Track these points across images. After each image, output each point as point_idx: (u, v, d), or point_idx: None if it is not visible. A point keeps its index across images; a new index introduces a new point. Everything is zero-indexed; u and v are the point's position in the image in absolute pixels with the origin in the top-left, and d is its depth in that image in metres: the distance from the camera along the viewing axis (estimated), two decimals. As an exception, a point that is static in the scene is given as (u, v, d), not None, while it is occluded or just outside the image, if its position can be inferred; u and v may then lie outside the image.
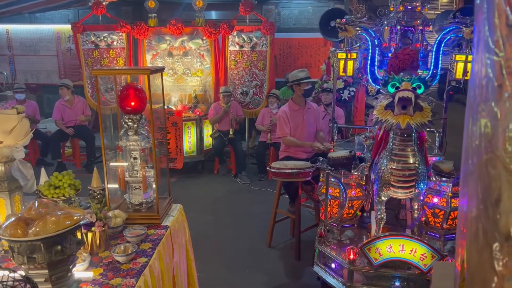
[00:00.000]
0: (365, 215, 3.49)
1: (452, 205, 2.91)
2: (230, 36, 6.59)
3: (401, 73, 2.62)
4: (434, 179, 3.00)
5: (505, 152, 0.48)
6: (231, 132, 6.31)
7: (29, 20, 9.28)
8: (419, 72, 2.82)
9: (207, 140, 6.75)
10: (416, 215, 2.94)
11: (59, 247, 1.53)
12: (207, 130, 6.71)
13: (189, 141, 6.47)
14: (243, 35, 6.56)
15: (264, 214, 4.80)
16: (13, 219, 1.54)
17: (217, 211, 5.13)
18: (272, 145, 6.13)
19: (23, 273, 1.32)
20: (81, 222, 1.60)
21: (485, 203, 0.48)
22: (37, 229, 1.49)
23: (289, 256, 3.98)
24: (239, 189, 5.95)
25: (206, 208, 5.15)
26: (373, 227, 2.98)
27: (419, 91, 2.53)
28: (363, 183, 3.21)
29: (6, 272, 1.20)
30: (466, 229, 0.57)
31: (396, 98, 2.50)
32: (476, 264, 0.52)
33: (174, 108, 6.69)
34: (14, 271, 1.22)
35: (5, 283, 1.16)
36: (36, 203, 1.58)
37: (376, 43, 3.33)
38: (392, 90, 2.55)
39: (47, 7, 7.27)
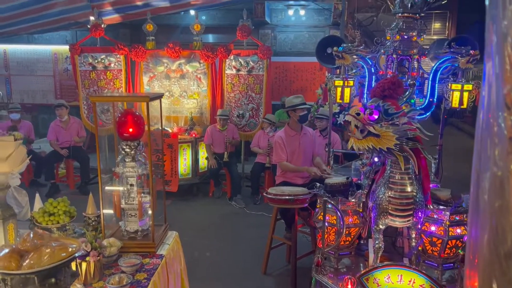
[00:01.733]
0: (362, 242, 3.46)
1: (450, 234, 2.90)
2: (227, 60, 6.66)
3: (371, 100, 2.68)
4: (431, 207, 2.99)
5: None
6: (225, 156, 6.30)
7: (27, 40, 9.34)
8: (393, 100, 2.84)
9: (203, 163, 6.73)
10: (413, 243, 2.91)
11: (53, 280, 1.50)
12: (203, 153, 6.69)
13: (184, 163, 6.44)
14: (240, 59, 6.63)
15: (260, 239, 4.74)
16: (7, 250, 1.51)
17: (212, 235, 5.07)
18: (268, 168, 6.12)
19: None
20: (76, 254, 1.56)
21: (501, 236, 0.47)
22: (31, 262, 1.46)
23: (285, 283, 3.92)
24: (234, 213, 5.90)
25: (201, 232, 5.09)
26: (371, 256, 2.95)
27: (371, 117, 2.57)
28: (360, 210, 3.19)
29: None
30: (478, 263, 0.56)
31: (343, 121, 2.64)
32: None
33: (170, 130, 6.68)
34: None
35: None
36: (32, 234, 1.55)
37: (373, 70, 3.37)
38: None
39: (45, 28, 7.32)
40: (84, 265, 1.97)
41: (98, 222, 2.37)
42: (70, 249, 1.54)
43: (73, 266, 1.60)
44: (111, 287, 1.90)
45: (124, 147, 2.31)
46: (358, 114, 2.56)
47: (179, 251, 2.57)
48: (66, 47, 7.87)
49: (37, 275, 1.45)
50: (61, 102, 6.77)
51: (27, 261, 1.46)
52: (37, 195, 2.48)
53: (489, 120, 0.56)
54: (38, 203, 2.43)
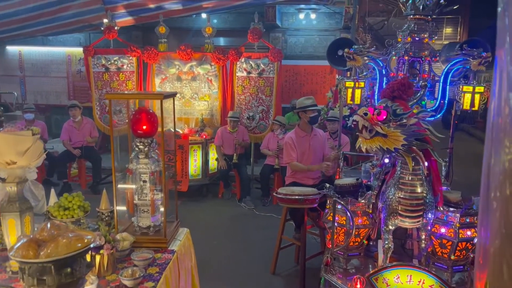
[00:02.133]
0: (371, 243, 3.46)
1: (460, 236, 2.89)
2: (238, 62, 6.71)
3: (381, 101, 2.71)
4: (441, 209, 2.98)
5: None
6: (235, 157, 6.33)
7: (41, 42, 9.50)
8: (402, 101, 2.84)
9: (212, 164, 6.77)
10: (423, 245, 2.91)
11: (69, 270, 1.53)
12: (213, 154, 6.74)
13: (194, 164, 6.49)
14: (250, 62, 6.68)
15: (269, 240, 4.76)
16: (25, 240, 1.55)
17: (221, 235, 5.10)
18: (277, 170, 6.14)
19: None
20: (91, 245, 1.60)
21: (510, 239, 0.49)
22: (49, 251, 1.50)
23: (293, 283, 3.93)
24: (244, 214, 5.92)
25: (210, 233, 5.12)
26: (380, 256, 2.95)
27: (378, 117, 2.58)
28: (370, 211, 3.20)
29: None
30: (487, 263, 0.57)
31: (350, 122, 2.63)
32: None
33: (181, 132, 6.75)
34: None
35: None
36: (49, 225, 1.59)
37: (384, 72, 3.38)
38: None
39: (60, 30, 7.45)
40: (98, 258, 2.02)
41: (111, 218, 2.41)
42: (85, 240, 1.57)
43: (88, 257, 1.64)
44: (124, 279, 1.94)
45: (138, 144, 2.36)
46: (365, 114, 2.57)
47: (190, 248, 2.61)
48: (80, 49, 8.01)
49: (53, 264, 1.48)
50: (74, 103, 6.88)
51: (44, 250, 1.50)
52: (52, 190, 2.54)
53: (501, 103, 0.58)
54: (53, 198, 2.48)
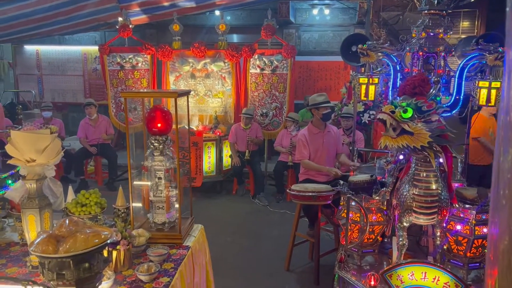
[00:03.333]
0: (385, 240, 3.45)
1: (476, 233, 2.86)
2: (251, 59, 6.72)
3: (401, 98, 2.66)
4: (457, 206, 2.96)
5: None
6: (247, 154, 6.35)
7: (58, 41, 9.65)
8: (423, 97, 2.81)
9: (226, 161, 6.81)
10: (438, 242, 2.89)
11: (87, 265, 1.57)
12: (227, 151, 6.77)
13: (208, 161, 6.54)
14: (264, 58, 6.68)
15: (283, 236, 4.78)
16: (44, 235, 1.60)
17: (235, 232, 5.13)
18: (291, 167, 6.14)
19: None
20: (108, 241, 1.64)
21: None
22: (67, 246, 1.54)
23: (307, 280, 3.94)
24: (258, 211, 5.95)
25: (225, 229, 5.16)
26: (395, 253, 2.94)
27: (405, 116, 2.54)
28: (384, 208, 3.18)
29: (41, 288, 1.24)
30: (497, 259, 0.58)
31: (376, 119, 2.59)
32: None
33: (195, 129, 6.80)
34: (48, 287, 1.26)
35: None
36: (67, 221, 1.63)
37: (398, 68, 3.35)
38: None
39: (75, 29, 7.56)
40: (114, 253, 2.06)
41: (127, 214, 2.45)
42: (102, 236, 1.61)
43: (105, 253, 1.68)
44: (140, 274, 1.98)
45: (153, 141, 2.39)
46: (393, 112, 2.54)
47: (204, 244, 2.64)
48: (95, 48, 8.12)
49: (72, 259, 1.52)
50: (90, 101, 6.99)
51: (63, 246, 1.54)
52: (70, 187, 2.60)
53: (510, 102, 0.58)
54: (71, 195, 2.54)
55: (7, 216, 2.67)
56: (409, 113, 2.53)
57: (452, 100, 3.22)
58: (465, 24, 12.90)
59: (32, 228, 2.03)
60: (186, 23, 7.11)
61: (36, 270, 2.03)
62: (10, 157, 2.00)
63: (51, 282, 1.56)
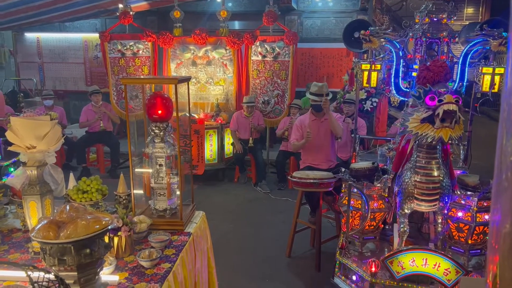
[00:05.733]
0: (387, 227, 3.46)
1: (478, 220, 2.86)
2: (253, 46, 6.66)
3: (436, 86, 2.59)
4: (458, 192, 2.95)
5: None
6: (250, 141, 6.35)
7: (58, 29, 9.59)
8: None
9: (228, 148, 6.81)
10: (439, 229, 2.90)
11: (88, 250, 1.57)
12: (228, 139, 6.77)
13: (210, 149, 6.53)
14: (266, 45, 6.62)
15: (284, 223, 4.80)
16: (45, 221, 1.60)
17: (237, 219, 5.15)
18: (293, 154, 6.14)
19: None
20: (109, 227, 1.64)
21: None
22: (68, 232, 1.54)
23: (309, 266, 3.96)
24: (259, 198, 5.96)
25: (226, 216, 5.18)
26: (396, 240, 2.95)
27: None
28: (386, 195, 3.19)
29: (42, 273, 1.24)
30: (498, 245, 0.57)
31: (441, 111, 2.42)
32: (510, 280, 0.52)
33: (196, 116, 6.78)
34: (49, 272, 1.26)
35: (40, 283, 1.21)
36: (68, 207, 1.63)
37: (401, 54, 3.32)
38: (430, 102, 2.51)
39: (76, 16, 7.50)
40: (116, 239, 2.07)
41: (128, 201, 2.45)
42: (103, 222, 1.61)
43: (106, 239, 1.68)
44: (141, 260, 1.99)
45: (154, 128, 2.38)
46: (457, 101, 2.44)
47: (205, 230, 2.65)
48: (96, 35, 8.06)
49: (73, 245, 1.52)
50: (96, 89, 6.96)
51: (64, 232, 1.54)
52: (71, 174, 2.59)
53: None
54: (72, 182, 2.54)
55: (9, 203, 2.68)
56: (460, 101, 2.48)
57: (455, 86, 3.19)
58: (469, 10, 12.75)
59: (33, 214, 2.04)
60: (187, 10, 7.03)
61: (38, 256, 2.04)
62: (12, 145, 1.99)
63: (53, 268, 1.56)
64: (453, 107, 2.40)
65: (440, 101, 2.45)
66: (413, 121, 2.57)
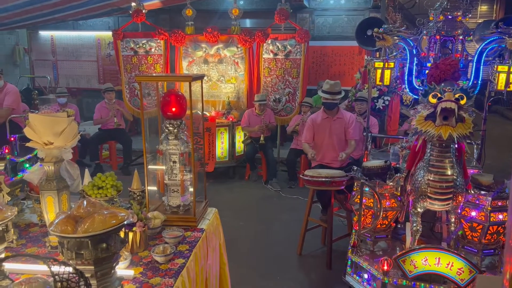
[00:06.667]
0: (399, 226, 3.45)
1: (491, 219, 2.84)
2: (264, 44, 6.67)
3: (442, 84, 2.59)
4: (472, 192, 2.93)
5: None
6: (262, 138, 6.36)
7: (72, 27, 9.70)
8: (460, 82, 2.78)
9: (239, 146, 6.83)
10: (452, 228, 2.88)
11: (104, 245, 1.60)
12: (239, 137, 6.79)
13: (221, 146, 6.56)
14: (277, 43, 6.62)
15: (295, 221, 4.80)
16: (63, 216, 1.63)
17: (248, 217, 5.17)
18: (303, 153, 6.13)
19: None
20: (125, 222, 1.66)
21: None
22: (85, 227, 1.57)
23: (320, 265, 3.96)
24: (270, 196, 5.97)
25: (237, 214, 5.20)
26: (408, 239, 2.94)
27: (462, 102, 2.49)
28: (398, 193, 3.17)
29: (62, 267, 1.27)
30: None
31: (439, 109, 2.44)
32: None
33: (208, 114, 6.81)
34: (69, 265, 1.29)
35: (61, 275, 1.23)
36: (85, 202, 1.66)
37: (414, 52, 3.30)
38: (433, 100, 2.51)
39: (89, 14, 7.57)
40: (131, 235, 2.09)
41: (142, 197, 2.48)
42: (119, 217, 1.63)
43: (122, 234, 1.70)
44: (156, 256, 2.01)
45: (168, 125, 2.41)
46: (457, 99, 2.44)
47: (218, 227, 2.67)
48: (109, 33, 8.14)
49: (90, 239, 1.55)
50: (110, 87, 7.03)
51: (81, 226, 1.57)
52: (86, 170, 2.63)
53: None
54: (87, 178, 2.57)
55: (26, 198, 2.73)
56: (465, 99, 2.47)
57: (470, 85, 3.17)
58: (483, 8, 12.59)
59: (50, 209, 2.08)
60: (199, 8, 7.06)
61: (55, 250, 2.08)
62: (28, 141, 2.03)
63: (70, 261, 1.59)
64: (450, 105, 2.41)
65: (440, 98, 2.46)
66: (418, 118, 2.59)
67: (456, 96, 2.46)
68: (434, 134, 2.50)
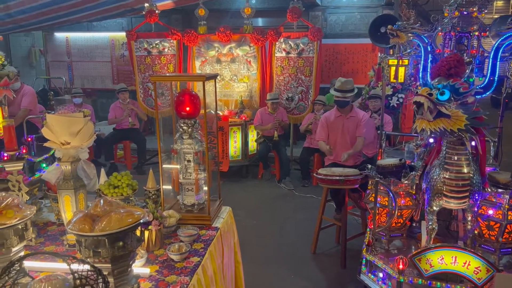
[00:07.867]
0: (414, 225, 3.41)
1: (509, 218, 2.79)
2: (277, 43, 6.66)
3: (436, 79, 2.60)
4: (489, 190, 2.89)
5: None
6: (275, 135, 6.35)
7: (86, 28, 9.83)
8: (458, 79, 2.73)
9: (252, 145, 6.84)
10: (469, 227, 2.84)
11: (121, 243, 1.62)
12: (252, 135, 6.80)
13: (234, 145, 6.58)
14: (290, 42, 6.61)
15: (308, 220, 4.79)
16: (80, 215, 1.66)
17: (261, 215, 5.18)
18: (317, 151, 6.11)
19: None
20: (141, 220, 1.68)
21: None
22: (102, 225, 1.59)
23: (334, 263, 3.95)
24: (283, 195, 5.97)
25: (251, 213, 5.21)
26: (424, 237, 2.91)
27: (441, 97, 2.46)
28: (413, 192, 3.14)
29: (81, 264, 1.29)
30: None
31: (412, 103, 2.53)
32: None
33: (221, 113, 6.84)
34: (87, 263, 1.31)
35: (80, 273, 1.26)
36: (102, 201, 1.69)
37: (429, 49, 3.26)
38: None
39: (103, 15, 7.65)
40: (146, 233, 2.12)
41: (157, 196, 2.51)
42: (136, 215, 1.66)
43: (138, 232, 1.73)
44: (171, 254, 2.03)
45: (182, 125, 2.43)
46: (430, 94, 2.47)
47: (232, 225, 2.68)
48: (123, 34, 8.22)
49: (107, 237, 1.58)
50: (124, 87, 7.11)
51: (98, 225, 1.60)
52: (102, 169, 2.67)
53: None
54: (103, 177, 2.61)
55: (43, 197, 2.78)
56: (446, 95, 2.46)
57: (486, 81, 3.12)
58: (499, 3, 12.38)
59: (68, 208, 2.11)
60: (211, 8, 7.08)
61: (72, 248, 2.11)
62: (44, 141, 2.07)
63: (88, 259, 1.62)
64: (418, 98, 2.47)
65: (416, 93, 2.52)
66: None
67: (430, 91, 2.46)
68: (416, 127, 2.55)
